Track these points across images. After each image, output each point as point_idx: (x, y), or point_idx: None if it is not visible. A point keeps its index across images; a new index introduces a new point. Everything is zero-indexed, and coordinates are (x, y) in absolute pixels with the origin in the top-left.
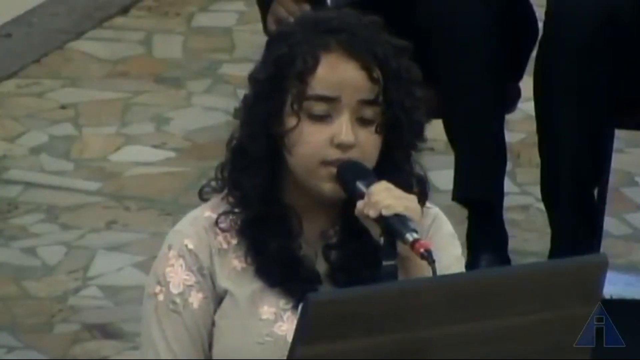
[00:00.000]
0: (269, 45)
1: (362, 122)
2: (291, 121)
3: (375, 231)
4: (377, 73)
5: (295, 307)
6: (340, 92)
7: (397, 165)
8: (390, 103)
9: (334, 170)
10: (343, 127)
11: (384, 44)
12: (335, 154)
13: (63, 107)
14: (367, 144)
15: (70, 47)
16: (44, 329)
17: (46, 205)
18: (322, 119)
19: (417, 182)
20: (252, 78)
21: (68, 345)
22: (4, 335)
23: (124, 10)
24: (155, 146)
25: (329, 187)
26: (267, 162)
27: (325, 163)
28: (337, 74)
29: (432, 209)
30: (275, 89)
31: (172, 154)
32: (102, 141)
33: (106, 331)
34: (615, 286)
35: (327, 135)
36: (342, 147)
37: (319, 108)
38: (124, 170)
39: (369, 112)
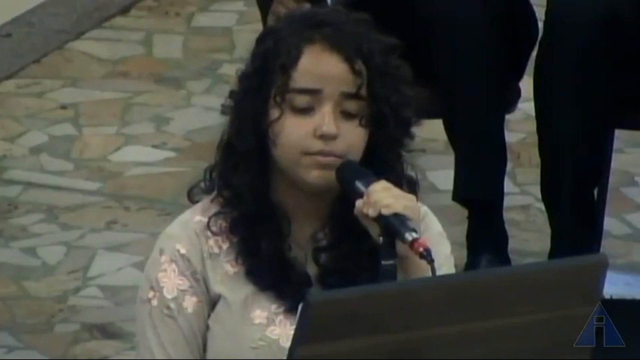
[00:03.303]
0: (257, 41)
1: (346, 115)
2: (274, 113)
3: (374, 231)
4: (359, 66)
5: (287, 310)
6: (322, 84)
7: (385, 163)
8: (375, 97)
9: (318, 158)
10: (325, 119)
11: (371, 40)
12: (318, 146)
13: (63, 107)
14: (351, 137)
15: (70, 47)
16: (44, 329)
17: (46, 205)
18: (305, 111)
19: (407, 182)
20: (240, 74)
21: (68, 345)
22: (4, 335)
23: (124, 10)
24: (155, 146)
25: (313, 175)
26: (256, 158)
27: (308, 153)
28: (320, 66)
29: (421, 207)
30: (261, 83)
31: (172, 154)
32: (102, 141)
33: (106, 331)
34: (615, 286)
35: (310, 127)
36: (325, 138)
37: (301, 100)
38: (124, 170)
39: (352, 106)
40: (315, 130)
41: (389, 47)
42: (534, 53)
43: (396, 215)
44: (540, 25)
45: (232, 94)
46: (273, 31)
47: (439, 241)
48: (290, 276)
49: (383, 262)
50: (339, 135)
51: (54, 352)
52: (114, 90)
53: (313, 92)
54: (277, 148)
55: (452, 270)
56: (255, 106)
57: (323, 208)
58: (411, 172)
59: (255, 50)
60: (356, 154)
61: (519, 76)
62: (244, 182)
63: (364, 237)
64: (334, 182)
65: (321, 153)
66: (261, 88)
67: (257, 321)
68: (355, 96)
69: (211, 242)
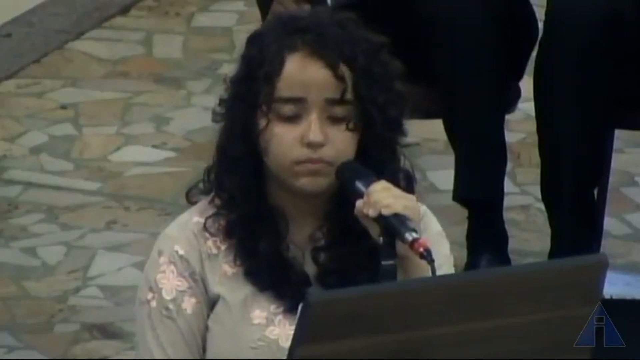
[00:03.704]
0: (245, 46)
1: (334, 120)
2: (262, 122)
3: (374, 231)
4: (342, 71)
5: (286, 310)
6: (306, 93)
7: (377, 160)
8: (361, 99)
9: (308, 166)
10: (311, 127)
11: (354, 42)
12: (306, 154)
13: (63, 107)
14: (339, 142)
15: (70, 47)
16: (44, 329)
17: (46, 205)
18: (292, 119)
19: (403, 177)
20: (230, 79)
21: (68, 345)
22: (4, 335)
23: (124, 10)
24: (155, 146)
25: (303, 182)
26: (246, 163)
27: (298, 162)
28: (302, 74)
29: (420, 207)
30: (247, 91)
31: (172, 154)
32: (102, 141)
33: (106, 331)
34: (615, 286)
35: (297, 135)
36: (312, 146)
37: (287, 109)
38: (124, 170)
39: (339, 110)
40: (302, 138)
41: (375, 45)
42: (534, 53)
43: (396, 215)
44: (540, 25)
45: (221, 101)
46: (258, 36)
47: (438, 241)
48: (289, 276)
49: (383, 262)
50: (326, 142)
51: (54, 352)
52: (114, 90)
53: (297, 101)
54: (269, 157)
55: (452, 270)
56: (243, 113)
57: (320, 207)
58: (407, 167)
59: (242, 55)
60: (347, 158)
61: (519, 76)
62: (236, 185)
63: (363, 237)
64: (325, 186)
65: (310, 160)
66: (248, 96)
67: (256, 321)
68: (340, 101)
69: (210, 242)
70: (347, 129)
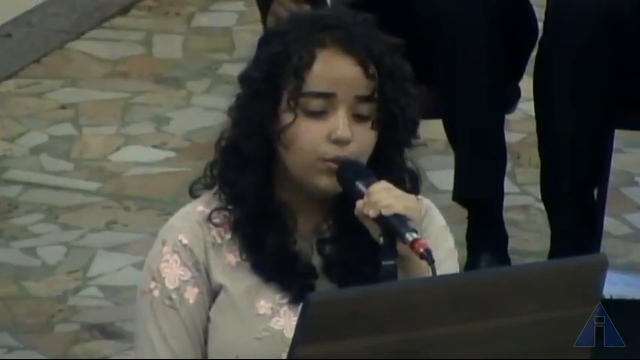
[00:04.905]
0: (261, 44)
1: (358, 118)
2: (287, 118)
3: (375, 231)
4: (372, 69)
5: (291, 301)
6: (336, 88)
7: (390, 160)
8: (385, 99)
9: (331, 165)
10: (340, 123)
11: (379, 41)
12: (332, 151)
13: (63, 107)
14: (363, 140)
15: (70, 47)
16: (44, 329)
17: (46, 205)
18: (319, 115)
19: (409, 177)
20: (246, 77)
21: (68, 345)
22: (4, 335)
23: (124, 10)
24: (155, 146)
25: (325, 182)
26: (262, 161)
27: (323, 159)
28: (333, 70)
29: (423, 200)
30: (270, 87)
31: (171, 154)
32: (102, 141)
33: (106, 331)
34: (615, 286)
35: (324, 131)
36: (339, 142)
37: (315, 104)
38: (124, 170)
39: (364, 108)
40: (330, 135)
41: (394, 47)
42: (534, 53)
43: (397, 215)
44: (540, 25)
45: (238, 98)
46: (278, 34)
47: (442, 235)
48: (296, 268)
49: (384, 262)
50: (352, 139)
51: (54, 352)
52: (114, 90)
53: (327, 96)
54: (291, 153)
55: (456, 264)
56: (263, 110)
57: (326, 201)
58: (412, 166)
59: (261, 54)
60: (366, 156)
61: (519, 76)
62: (249, 184)
63: (366, 231)
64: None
65: (336, 160)
66: (270, 92)
67: (261, 312)
68: (368, 99)
69: (214, 232)
70: (372, 127)
